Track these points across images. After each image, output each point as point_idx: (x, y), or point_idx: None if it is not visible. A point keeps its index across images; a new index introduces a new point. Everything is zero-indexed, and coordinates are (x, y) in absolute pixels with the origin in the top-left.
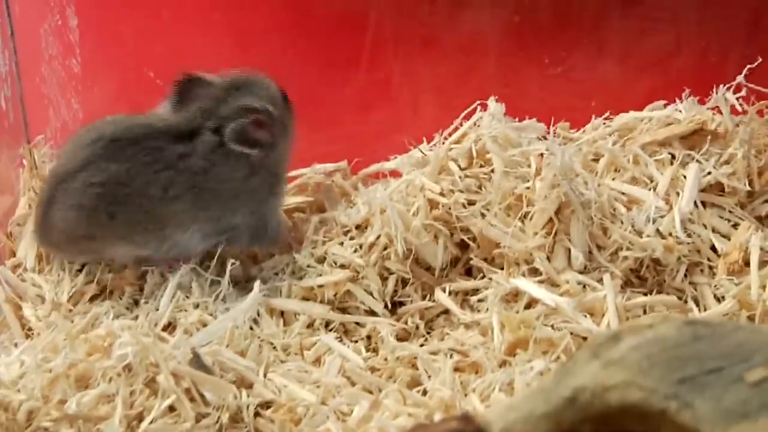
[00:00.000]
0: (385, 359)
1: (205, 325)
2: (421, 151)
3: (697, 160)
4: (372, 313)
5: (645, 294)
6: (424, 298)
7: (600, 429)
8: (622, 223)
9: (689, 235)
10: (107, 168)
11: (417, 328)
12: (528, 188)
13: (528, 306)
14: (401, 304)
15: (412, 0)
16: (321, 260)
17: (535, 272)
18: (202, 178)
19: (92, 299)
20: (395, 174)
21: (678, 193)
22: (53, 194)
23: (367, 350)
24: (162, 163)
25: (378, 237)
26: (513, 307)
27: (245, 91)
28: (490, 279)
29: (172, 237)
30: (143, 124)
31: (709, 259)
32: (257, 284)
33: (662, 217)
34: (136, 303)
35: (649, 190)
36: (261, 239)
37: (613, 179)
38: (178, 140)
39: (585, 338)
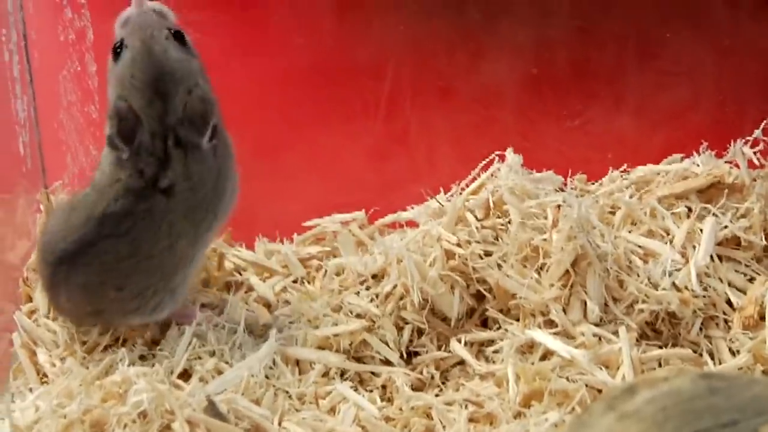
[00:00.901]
0: (400, 409)
1: (220, 372)
2: (438, 202)
3: (714, 214)
4: (387, 362)
5: (660, 347)
6: (439, 348)
7: None
8: (638, 275)
9: (705, 289)
10: (111, 248)
11: (432, 378)
12: (544, 240)
13: (543, 357)
14: (417, 354)
15: (430, 50)
16: (337, 309)
17: (550, 324)
18: (192, 194)
19: (107, 348)
20: (412, 224)
21: (694, 247)
22: (54, 278)
23: (382, 400)
24: (159, 216)
25: (394, 287)
26: (528, 358)
27: (168, 82)
28: (506, 330)
29: (182, 282)
30: (122, 189)
31: (724, 313)
32: (273, 333)
33: (678, 270)
34: (151, 351)
35: (666, 243)
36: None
37: (630, 232)
38: (153, 189)
39: (600, 390)
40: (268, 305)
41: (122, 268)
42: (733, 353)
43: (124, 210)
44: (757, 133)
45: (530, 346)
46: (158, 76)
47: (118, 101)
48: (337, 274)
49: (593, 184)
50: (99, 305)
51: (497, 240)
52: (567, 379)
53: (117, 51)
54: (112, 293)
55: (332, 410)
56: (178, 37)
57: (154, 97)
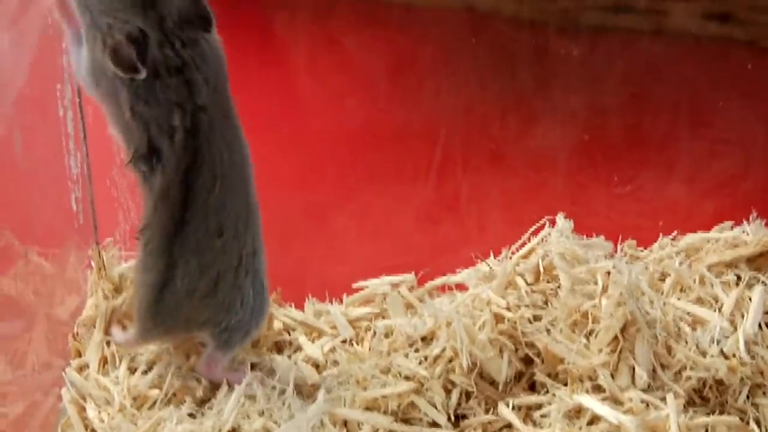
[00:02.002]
0: None
1: None
2: (488, 265)
3: (763, 282)
4: (435, 425)
5: (707, 414)
6: (487, 411)
7: None
8: (686, 342)
9: (753, 357)
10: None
11: None
12: (594, 306)
13: (591, 423)
14: (464, 417)
15: (482, 114)
16: (385, 371)
17: (598, 389)
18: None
19: (155, 404)
20: (461, 287)
21: (743, 315)
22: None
23: None
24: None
25: (443, 349)
26: (576, 423)
27: None
28: (554, 395)
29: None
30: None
31: None
32: (321, 393)
33: (726, 337)
34: (200, 409)
35: (715, 310)
36: None
37: (679, 299)
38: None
39: None
40: (316, 365)
41: (219, 190)
42: None
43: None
44: None
45: (578, 411)
46: None
47: (124, 26)
48: (386, 336)
49: (643, 250)
50: (213, 265)
51: (546, 304)
52: None
53: None
54: (216, 241)
55: None
56: None
57: (149, 5)
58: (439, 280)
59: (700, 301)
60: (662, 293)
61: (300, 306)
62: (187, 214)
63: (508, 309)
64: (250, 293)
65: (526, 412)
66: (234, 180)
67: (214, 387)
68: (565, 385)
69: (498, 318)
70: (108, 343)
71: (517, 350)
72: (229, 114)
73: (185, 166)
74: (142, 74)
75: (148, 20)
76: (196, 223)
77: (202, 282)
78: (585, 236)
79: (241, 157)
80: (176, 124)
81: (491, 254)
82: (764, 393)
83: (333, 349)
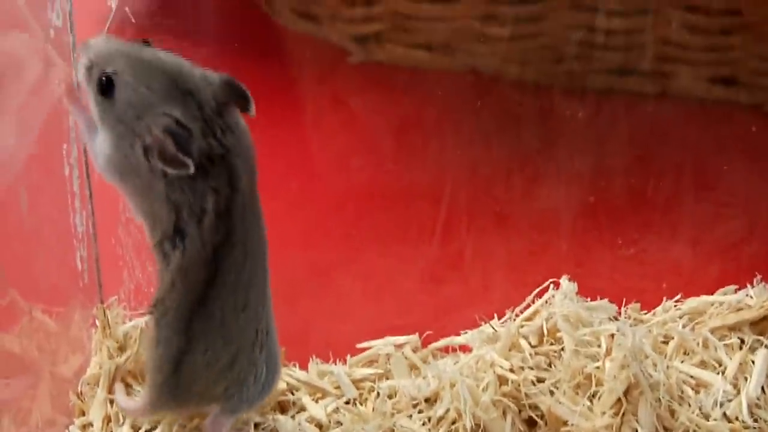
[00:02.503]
0: None
1: None
2: (492, 327)
3: (766, 346)
4: None
5: None
6: None
7: None
8: (689, 405)
9: (756, 420)
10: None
11: None
12: (597, 368)
13: None
14: None
15: (486, 175)
16: None
17: None
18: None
19: None
20: (465, 348)
21: (746, 378)
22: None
23: None
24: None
25: (447, 411)
26: None
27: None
28: None
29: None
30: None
31: None
32: None
33: (730, 401)
34: None
35: (718, 374)
36: None
37: (682, 362)
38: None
39: None
40: (320, 426)
41: (246, 270)
42: None
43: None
44: None
45: None
46: (172, 73)
47: (162, 121)
48: (390, 397)
49: (647, 313)
50: (233, 342)
51: (550, 366)
52: None
53: (105, 86)
54: (241, 315)
55: None
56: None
57: (185, 96)
58: (442, 342)
59: (703, 364)
60: (666, 356)
61: (304, 366)
62: (213, 291)
63: (512, 371)
64: (264, 368)
65: None
66: (259, 255)
67: None
68: None
69: (502, 380)
70: (111, 402)
71: (520, 412)
72: (255, 189)
73: (214, 245)
74: (191, 169)
75: (187, 110)
76: (222, 300)
77: (223, 357)
78: (589, 298)
79: (263, 231)
80: (209, 208)
81: (495, 316)
82: None
83: (337, 410)
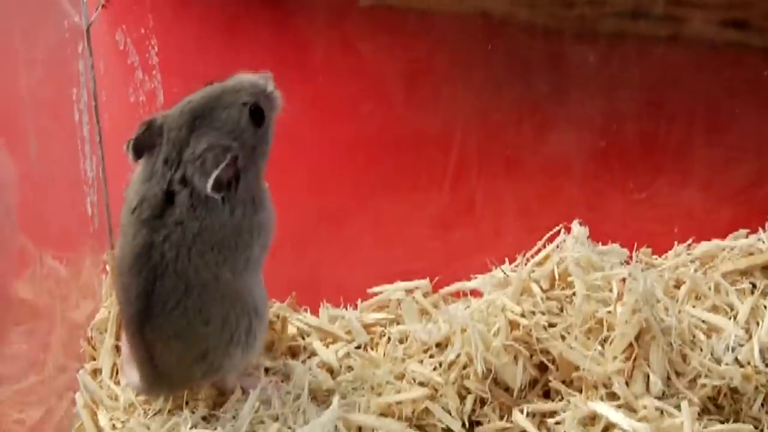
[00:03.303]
0: None
1: None
2: (503, 272)
3: None
4: (449, 431)
5: (722, 422)
6: (501, 418)
7: None
8: (701, 350)
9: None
10: (163, 289)
11: None
12: (609, 312)
13: (605, 430)
14: (479, 423)
15: (497, 121)
16: (400, 377)
17: (613, 396)
18: (208, 235)
19: (170, 413)
20: (476, 294)
21: (758, 323)
22: (143, 332)
23: None
24: (182, 245)
25: (458, 356)
26: (590, 430)
27: (206, 125)
28: (568, 402)
29: (251, 302)
30: (139, 221)
31: None
32: (336, 399)
33: (741, 345)
34: (214, 414)
35: (729, 318)
36: None
37: (694, 306)
38: (165, 213)
39: None
40: (331, 370)
41: (193, 302)
42: None
43: (144, 248)
44: None
45: (592, 419)
46: (201, 108)
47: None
48: (401, 342)
49: (658, 257)
50: (199, 344)
51: (562, 311)
52: None
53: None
54: (202, 328)
55: None
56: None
57: (184, 124)
58: (453, 286)
59: (715, 308)
60: (677, 301)
61: (315, 311)
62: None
63: (523, 316)
64: (244, 350)
65: (541, 419)
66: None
67: (229, 390)
68: (580, 392)
69: (513, 324)
70: (119, 349)
71: (531, 357)
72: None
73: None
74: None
75: (176, 133)
76: (165, 319)
77: (188, 357)
78: (600, 243)
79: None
80: None
81: (506, 261)
82: None
83: (348, 355)
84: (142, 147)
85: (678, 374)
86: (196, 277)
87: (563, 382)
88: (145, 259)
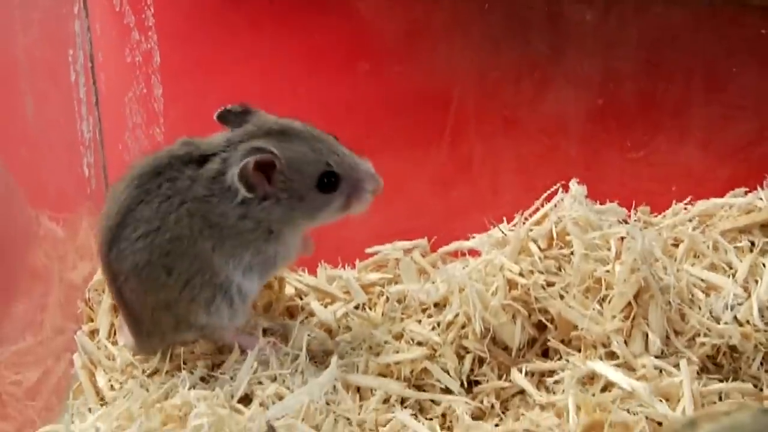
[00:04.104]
0: None
1: (281, 398)
2: (502, 231)
3: None
4: (448, 391)
5: (721, 380)
6: (500, 377)
7: None
8: (700, 309)
9: (767, 323)
10: (142, 215)
11: (492, 407)
12: (607, 271)
13: (604, 389)
14: (477, 383)
15: (495, 80)
16: (398, 337)
17: (612, 355)
18: (207, 207)
19: (167, 373)
20: (474, 253)
21: (756, 281)
22: (110, 263)
23: (442, 428)
24: (180, 194)
25: (456, 315)
26: (589, 389)
27: (284, 142)
28: (567, 361)
29: (234, 289)
30: (166, 153)
31: None
32: (334, 359)
33: (740, 304)
34: (212, 374)
35: (728, 277)
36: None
37: (693, 265)
38: (189, 165)
39: (660, 423)
40: (329, 331)
41: (161, 243)
42: None
43: (153, 170)
44: None
45: (591, 378)
46: (294, 133)
47: None
48: (399, 302)
49: (657, 216)
50: (157, 290)
51: (560, 271)
52: (627, 411)
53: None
54: (163, 276)
55: None
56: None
57: (270, 131)
58: (452, 246)
59: (713, 267)
60: (676, 259)
61: (312, 271)
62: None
63: (521, 275)
64: (205, 317)
65: (539, 379)
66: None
67: (226, 352)
68: (579, 351)
69: (511, 284)
70: (116, 310)
71: (530, 316)
72: None
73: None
74: None
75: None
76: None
77: (168, 323)
78: (598, 201)
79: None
80: None
81: (504, 220)
82: None
83: (346, 315)
84: (226, 119)
85: (677, 333)
86: (175, 227)
87: (562, 341)
88: (145, 179)
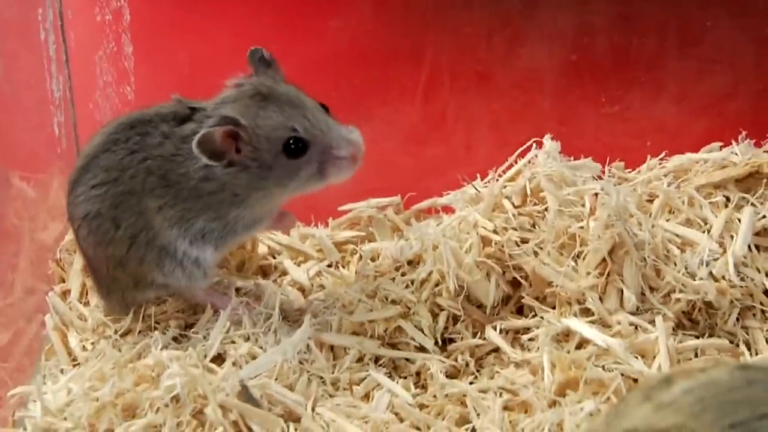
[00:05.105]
0: (434, 396)
1: (254, 357)
2: (475, 188)
3: (752, 204)
4: (422, 349)
5: (697, 337)
6: (474, 335)
7: None
8: (675, 265)
9: (742, 279)
10: (104, 163)
11: (467, 365)
12: (582, 228)
13: (579, 346)
14: (451, 341)
15: (468, 35)
16: (372, 295)
17: (586, 312)
18: (170, 166)
19: (140, 333)
20: (448, 210)
21: (732, 237)
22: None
23: (417, 387)
24: (146, 150)
25: (430, 273)
26: (564, 346)
27: (262, 105)
28: (542, 318)
29: (179, 249)
30: (154, 108)
31: (761, 303)
32: (308, 318)
33: (716, 260)
34: (185, 334)
35: (703, 232)
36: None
37: (668, 221)
38: (168, 122)
39: (636, 380)
40: (302, 289)
41: (113, 194)
42: None
43: (130, 122)
44: None
45: (566, 335)
46: (276, 97)
47: None
48: (372, 260)
49: (631, 171)
50: (107, 247)
51: (534, 227)
52: (603, 368)
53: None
54: (112, 230)
55: (366, 396)
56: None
57: (256, 94)
58: (425, 203)
59: (688, 222)
60: (650, 215)
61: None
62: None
63: (495, 232)
64: (161, 277)
65: (514, 336)
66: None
67: (198, 312)
68: (553, 308)
69: (485, 241)
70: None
71: (504, 273)
72: None
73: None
74: None
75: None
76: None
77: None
78: (572, 157)
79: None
80: None
81: (478, 176)
82: (754, 315)
83: (319, 273)
84: (255, 58)
85: (652, 289)
86: (130, 181)
87: (536, 298)
88: (119, 129)
